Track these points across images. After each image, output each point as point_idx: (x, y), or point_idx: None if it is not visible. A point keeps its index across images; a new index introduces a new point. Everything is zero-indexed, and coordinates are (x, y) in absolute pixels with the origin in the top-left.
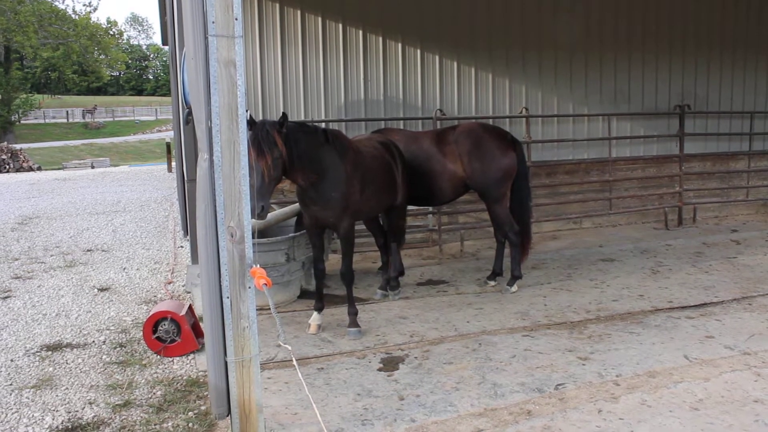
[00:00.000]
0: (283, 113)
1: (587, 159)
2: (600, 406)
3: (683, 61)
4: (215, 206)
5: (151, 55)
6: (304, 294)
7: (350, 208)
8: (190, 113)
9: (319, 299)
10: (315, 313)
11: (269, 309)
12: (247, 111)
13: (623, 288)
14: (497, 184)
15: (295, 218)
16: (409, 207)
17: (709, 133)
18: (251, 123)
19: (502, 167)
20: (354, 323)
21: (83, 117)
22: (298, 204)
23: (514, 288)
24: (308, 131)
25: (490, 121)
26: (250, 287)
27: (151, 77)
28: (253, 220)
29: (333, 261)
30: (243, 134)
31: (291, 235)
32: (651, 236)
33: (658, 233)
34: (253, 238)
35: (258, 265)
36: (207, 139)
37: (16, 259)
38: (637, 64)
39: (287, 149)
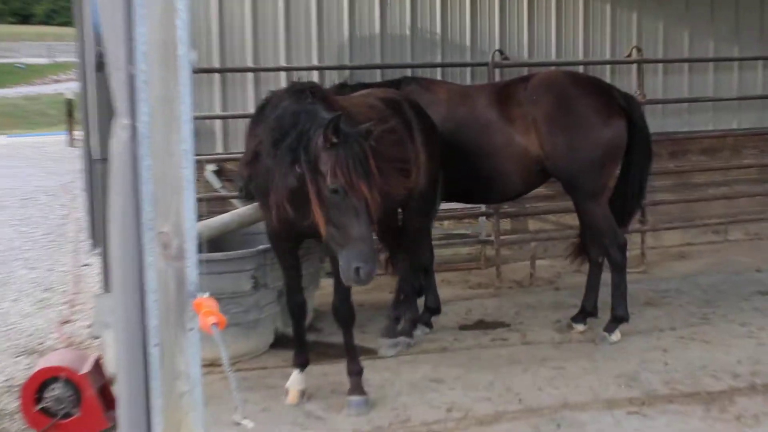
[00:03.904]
0: (339, 114)
1: (737, 130)
2: None
3: None
4: (139, 201)
5: None
6: (280, 341)
7: None
8: (102, 54)
9: (301, 350)
10: (295, 372)
11: (223, 364)
12: (194, 51)
13: None
14: (594, 170)
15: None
16: (452, 205)
17: None
18: (336, 130)
19: (603, 142)
20: (357, 388)
21: None
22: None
23: (616, 336)
24: (295, 91)
25: (581, 70)
26: (192, 329)
27: None
28: (199, 224)
29: (326, 290)
30: (185, 87)
31: (262, 247)
32: None
33: None
34: (200, 251)
35: (207, 295)
36: (128, 95)
37: None
38: None
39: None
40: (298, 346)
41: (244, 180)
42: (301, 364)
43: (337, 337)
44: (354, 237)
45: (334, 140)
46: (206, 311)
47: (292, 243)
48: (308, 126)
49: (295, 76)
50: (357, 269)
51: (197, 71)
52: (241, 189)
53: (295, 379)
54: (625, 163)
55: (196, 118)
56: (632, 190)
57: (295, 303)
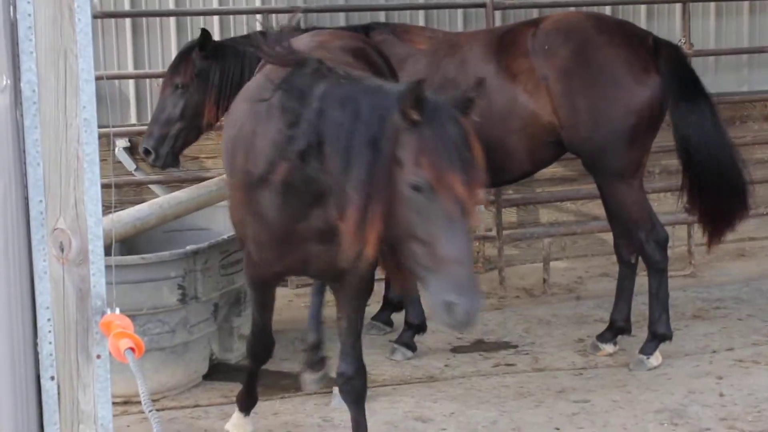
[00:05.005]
0: (419, 80)
1: None
2: None
3: None
4: (26, 187)
5: None
6: (217, 369)
7: None
8: None
9: (250, 391)
10: (236, 414)
11: (141, 401)
12: None
13: None
14: (625, 143)
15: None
16: None
17: None
18: (418, 103)
19: (637, 106)
20: None
21: None
22: (197, 188)
23: (656, 359)
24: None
25: (608, 11)
26: (100, 356)
27: None
28: (107, 218)
29: (282, 302)
30: (84, 36)
31: (192, 248)
32: None
33: None
34: (108, 254)
35: (118, 310)
36: (7, 47)
37: None
38: None
39: None
40: (248, 385)
41: (155, 140)
42: (246, 406)
43: (291, 364)
44: (445, 258)
45: (416, 117)
46: (118, 333)
47: (275, 280)
48: (381, 104)
49: (232, 22)
50: (450, 305)
51: (101, 16)
52: (149, 151)
53: (237, 421)
54: (683, 137)
55: (100, 78)
56: (707, 173)
57: (262, 345)
